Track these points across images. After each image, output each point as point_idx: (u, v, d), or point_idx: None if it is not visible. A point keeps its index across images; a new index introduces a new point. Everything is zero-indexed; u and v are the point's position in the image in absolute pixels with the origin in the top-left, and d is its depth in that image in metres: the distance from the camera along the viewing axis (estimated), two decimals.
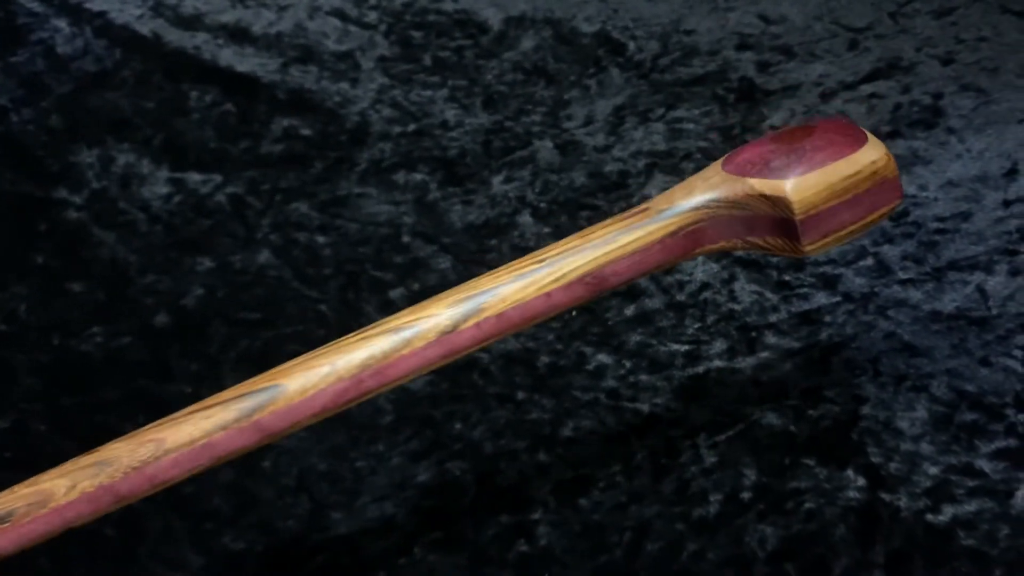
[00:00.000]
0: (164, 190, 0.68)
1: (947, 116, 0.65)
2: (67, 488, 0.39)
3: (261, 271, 0.63)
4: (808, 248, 0.42)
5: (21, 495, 0.40)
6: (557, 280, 0.42)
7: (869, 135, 0.42)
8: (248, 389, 0.41)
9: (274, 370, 0.42)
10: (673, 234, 0.42)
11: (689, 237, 0.42)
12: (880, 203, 0.43)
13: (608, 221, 0.43)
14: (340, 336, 0.59)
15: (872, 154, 0.42)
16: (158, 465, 0.40)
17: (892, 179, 0.42)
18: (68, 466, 0.40)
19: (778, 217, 0.41)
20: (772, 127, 0.67)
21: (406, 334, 0.41)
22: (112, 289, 0.63)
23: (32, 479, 0.41)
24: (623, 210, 0.63)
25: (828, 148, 0.41)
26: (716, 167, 0.43)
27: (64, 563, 0.52)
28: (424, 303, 0.42)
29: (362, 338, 0.41)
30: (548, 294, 0.41)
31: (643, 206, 0.43)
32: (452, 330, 0.41)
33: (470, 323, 0.41)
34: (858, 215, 0.42)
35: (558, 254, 0.42)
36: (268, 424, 0.40)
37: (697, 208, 0.42)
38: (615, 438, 0.53)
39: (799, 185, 0.41)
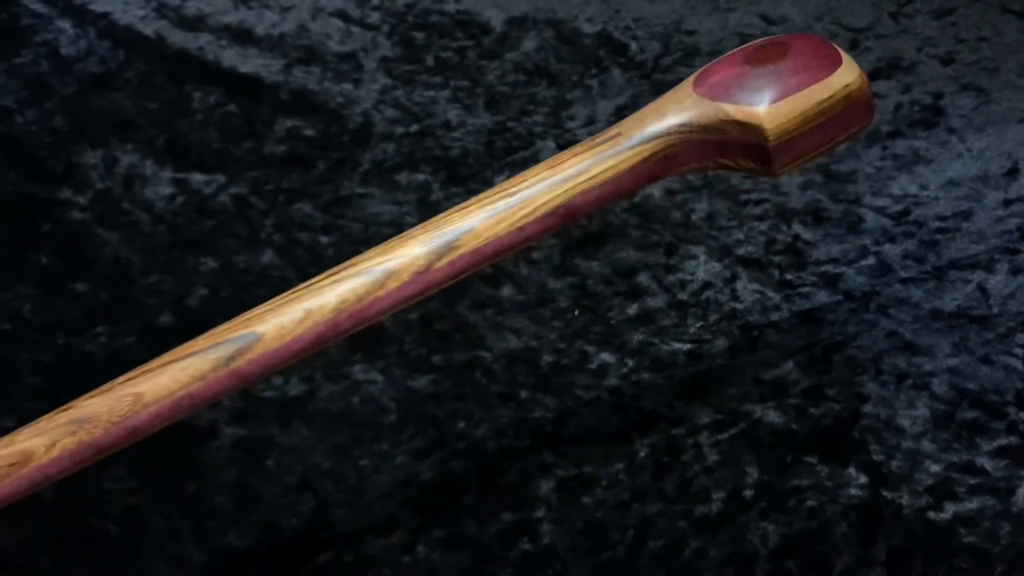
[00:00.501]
0: (167, 190, 0.68)
1: (948, 116, 0.66)
2: (47, 446, 0.39)
3: (264, 271, 0.64)
4: (779, 171, 0.41)
5: (1, 456, 0.39)
6: (529, 214, 0.41)
7: (843, 55, 0.41)
8: (222, 337, 0.40)
9: (247, 315, 0.41)
10: (645, 160, 0.41)
11: (661, 162, 0.42)
12: (852, 123, 0.42)
13: (578, 148, 0.42)
14: None
15: (846, 77, 0.41)
16: (138, 418, 0.39)
17: (865, 100, 0.42)
18: (43, 423, 0.39)
19: (751, 142, 0.41)
20: None
21: (378, 274, 0.40)
22: (115, 289, 0.63)
23: (6, 438, 0.39)
24: (625, 211, 0.64)
25: (802, 72, 0.40)
26: (687, 88, 0.42)
27: (65, 561, 0.52)
28: (395, 240, 0.41)
29: (334, 279, 0.41)
30: (521, 228, 0.41)
31: (614, 131, 0.42)
32: (426, 269, 0.40)
33: (444, 261, 0.41)
34: (829, 136, 0.42)
35: (529, 185, 0.41)
36: (245, 370, 0.40)
37: (669, 133, 0.41)
38: (617, 436, 0.54)
39: (773, 113, 0.40)
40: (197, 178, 0.69)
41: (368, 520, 0.52)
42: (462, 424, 0.55)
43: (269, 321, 0.40)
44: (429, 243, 0.41)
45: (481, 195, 0.42)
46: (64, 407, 0.40)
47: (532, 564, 0.49)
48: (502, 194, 0.41)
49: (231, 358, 0.40)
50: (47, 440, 0.39)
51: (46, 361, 0.60)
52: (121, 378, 0.40)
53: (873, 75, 0.69)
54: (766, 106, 0.40)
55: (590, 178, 0.41)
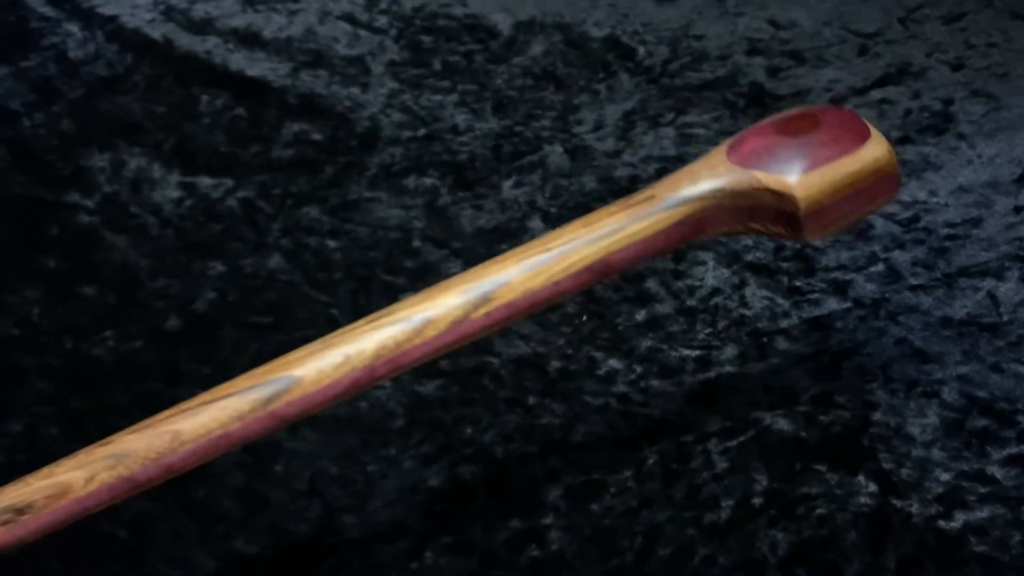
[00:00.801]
0: (175, 194, 0.68)
1: (957, 122, 0.65)
2: (85, 480, 0.40)
3: (272, 275, 0.63)
4: (809, 237, 0.43)
5: (39, 488, 0.40)
6: (565, 269, 0.42)
7: (872, 129, 0.43)
8: (262, 379, 0.41)
9: (287, 357, 0.42)
10: (678, 223, 0.43)
11: (693, 224, 0.43)
12: (879, 195, 0.44)
13: (614, 207, 0.43)
14: None
15: (876, 151, 0.42)
16: (175, 455, 0.40)
17: (893, 173, 0.43)
18: (82, 457, 0.41)
19: (783, 209, 0.42)
20: None
21: (417, 323, 0.41)
22: (123, 293, 0.63)
23: (46, 470, 0.41)
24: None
25: (833, 144, 0.42)
26: (720, 154, 0.43)
27: (74, 564, 0.52)
28: (433, 289, 0.43)
29: (373, 326, 0.42)
30: (556, 282, 0.42)
31: (648, 192, 0.44)
32: (463, 319, 0.42)
33: (480, 312, 0.42)
34: (858, 207, 0.44)
35: (565, 241, 0.42)
36: (283, 412, 0.41)
37: (703, 198, 0.43)
38: (626, 443, 0.53)
39: (805, 183, 0.42)
40: (205, 182, 0.69)
41: (375, 526, 0.52)
42: (470, 430, 0.55)
43: (308, 365, 0.41)
44: (466, 294, 0.42)
45: (519, 248, 0.43)
46: (104, 441, 0.41)
47: (540, 571, 0.49)
48: (539, 249, 0.43)
49: (269, 400, 0.41)
50: (86, 473, 0.40)
51: (54, 365, 0.60)
52: (161, 414, 0.41)
53: (882, 81, 0.69)
54: (798, 176, 0.42)
55: (624, 237, 0.43)
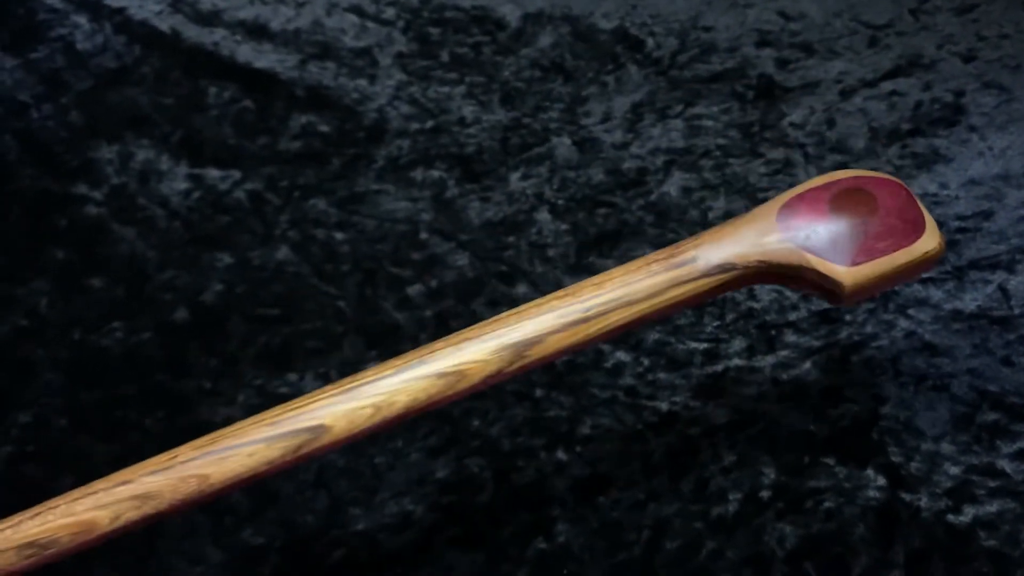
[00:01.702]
0: (183, 186, 0.68)
1: (969, 114, 0.65)
2: (111, 519, 0.41)
3: (280, 267, 0.63)
4: (845, 305, 0.44)
5: (63, 525, 0.41)
6: (600, 329, 0.42)
7: (927, 219, 0.42)
8: (292, 426, 0.41)
9: (316, 401, 0.41)
10: (719, 287, 0.43)
11: (733, 284, 0.43)
12: (920, 272, 0.44)
13: (655, 264, 0.42)
14: (357, 333, 0.60)
15: (928, 244, 0.42)
16: (202, 495, 0.41)
17: (938, 259, 0.43)
18: (103, 496, 0.41)
19: (825, 287, 0.42)
20: (792, 125, 0.67)
21: (451, 378, 0.41)
22: (131, 285, 0.63)
23: (64, 506, 0.41)
24: (641, 209, 0.63)
25: (888, 237, 0.42)
26: (770, 219, 0.42)
27: (85, 558, 0.52)
28: (465, 340, 0.42)
29: (405, 381, 0.41)
30: (590, 340, 0.42)
31: (691, 250, 0.42)
32: (496, 373, 0.42)
33: (514, 367, 0.42)
34: (897, 283, 0.44)
35: (603, 304, 0.42)
36: (310, 455, 0.42)
37: (747, 267, 0.42)
38: (633, 436, 0.53)
39: (854, 274, 0.42)
40: (212, 174, 0.69)
41: (383, 518, 0.52)
42: (477, 422, 0.55)
43: (338, 414, 0.41)
44: (500, 352, 0.42)
45: (554, 299, 0.42)
46: (122, 479, 0.41)
47: (547, 563, 0.49)
48: (576, 305, 0.42)
49: (298, 448, 0.41)
50: (111, 513, 0.41)
51: (63, 357, 0.60)
52: (184, 451, 0.41)
53: (893, 72, 0.68)
54: (848, 267, 0.42)
55: (663, 302, 0.42)
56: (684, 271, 0.42)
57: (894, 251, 0.42)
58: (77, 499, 0.41)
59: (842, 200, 0.42)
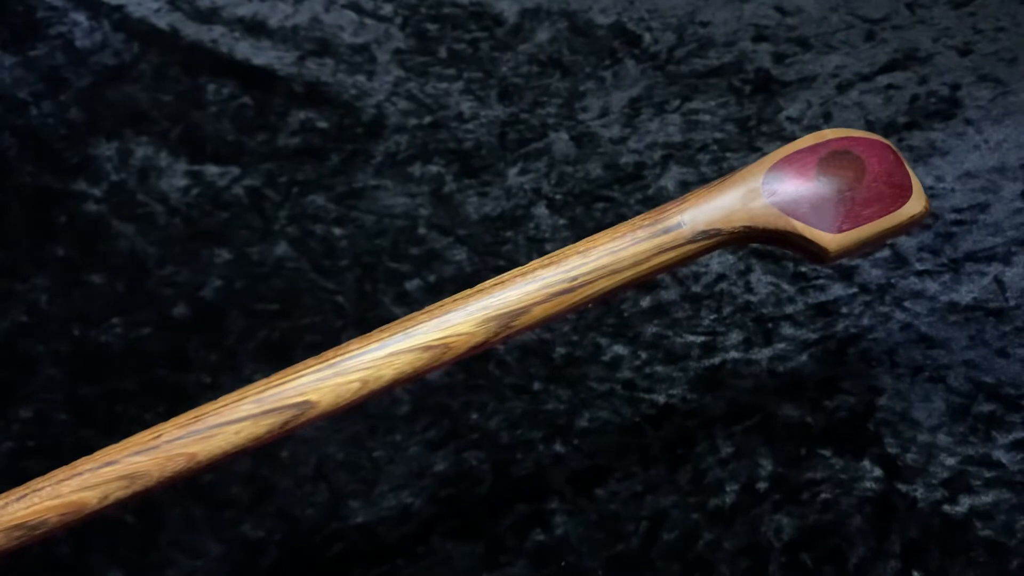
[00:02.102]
0: (182, 182, 0.68)
1: (965, 107, 0.65)
2: (99, 498, 0.41)
3: (279, 263, 0.64)
4: (828, 265, 0.44)
5: (51, 506, 0.40)
6: (586, 297, 0.42)
7: (914, 180, 0.42)
8: (278, 403, 0.41)
9: (301, 382, 0.41)
10: (705, 250, 0.42)
11: (718, 246, 0.43)
12: (905, 231, 0.44)
13: (640, 230, 0.42)
14: (356, 327, 0.60)
15: (914, 207, 0.42)
16: (189, 471, 0.41)
17: (924, 218, 0.43)
18: (90, 476, 0.41)
19: (811, 250, 0.42)
20: (789, 119, 0.67)
21: (437, 350, 0.41)
22: (131, 281, 0.64)
23: (52, 488, 0.41)
24: (639, 203, 0.64)
25: (875, 202, 0.42)
26: (757, 183, 0.42)
27: (85, 551, 0.52)
28: (449, 311, 0.42)
29: (391, 355, 0.41)
30: (575, 306, 0.42)
31: (675, 216, 0.42)
32: (481, 343, 0.42)
33: (499, 337, 0.42)
34: (882, 241, 0.44)
35: (589, 272, 0.41)
36: (296, 429, 0.41)
37: (733, 231, 0.42)
38: (631, 429, 0.53)
39: (840, 240, 0.42)
40: (211, 170, 0.69)
41: (382, 511, 0.52)
42: (475, 415, 0.55)
43: (326, 390, 0.41)
44: (487, 323, 0.42)
45: (540, 267, 0.42)
46: (107, 459, 0.41)
47: (546, 555, 0.49)
48: (561, 274, 0.42)
49: (284, 423, 0.41)
50: (99, 493, 0.41)
51: (63, 352, 0.61)
52: (167, 432, 0.41)
53: (889, 66, 0.68)
54: (835, 233, 0.42)
55: (649, 266, 0.42)
56: (670, 237, 0.42)
57: (880, 217, 0.42)
58: (62, 480, 0.41)
59: (829, 163, 0.42)
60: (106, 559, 0.52)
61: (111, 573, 0.51)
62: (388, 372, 0.41)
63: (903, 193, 0.42)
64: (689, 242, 0.42)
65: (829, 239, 0.41)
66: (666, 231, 0.42)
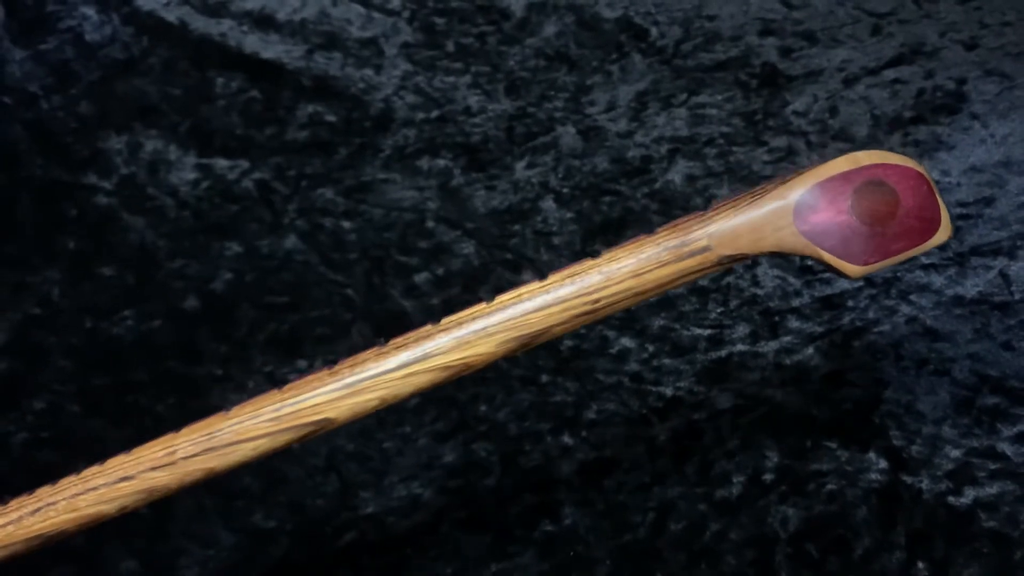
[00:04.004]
0: (192, 176, 0.69)
1: (971, 101, 0.65)
2: (118, 509, 0.42)
3: (288, 256, 0.64)
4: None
5: (69, 519, 0.42)
6: (605, 316, 0.41)
7: (943, 213, 0.41)
8: (296, 421, 0.41)
9: (320, 400, 0.41)
10: (728, 269, 0.42)
11: (741, 262, 0.43)
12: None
13: (665, 255, 0.41)
14: (365, 320, 0.60)
15: (940, 238, 0.42)
16: (206, 480, 0.41)
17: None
18: (107, 492, 0.42)
19: (832, 269, 0.42)
20: (795, 113, 0.67)
21: (457, 369, 0.42)
22: (142, 273, 0.64)
23: (67, 503, 0.42)
24: (646, 196, 0.64)
25: (905, 239, 0.41)
26: (788, 211, 0.41)
27: (98, 540, 0.53)
28: (470, 331, 0.42)
29: (410, 374, 0.41)
30: (594, 322, 0.42)
31: (702, 239, 0.41)
32: (498, 359, 0.42)
33: (517, 353, 0.42)
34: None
35: (612, 296, 0.41)
36: (312, 439, 0.42)
37: (759, 254, 0.42)
38: (638, 420, 0.54)
39: (866, 271, 0.41)
40: (221, 163, 0.69)
41: (392, 501, 0.53)
42: (484, 407, 0.56)
43: (344, 408, 0.41)
44: (506, 343, 0.42)
45: (559, 282, 0.41)
46: (122, 474, 0.42)
47: (554, 545, 0.50)
48: (583, 297, 0.41)
49: (303, 437, 0.42)
50: (116, 506, 0.42)
51: (75, 344, 0.61)
52: (182, 448, 0.41)
53: (895, 60, 0.68)
54: (860, 265, 0.42)
55: (672, 286, 0.41)
56: (695, 262, 0.41)
57: (908, 251, 0.42)
58: (77, 495, 0.42)
59: (863, 196, 0.41)
60: (120, 549, 0.52)
61: (125, 563, 0.52)
62: (407, 390, 0.42)
63: (932, 226, 0.41)
64: (714, 265, 0.41)
65: (853, 269, 0.41)
66: (692, 255, 0.41)
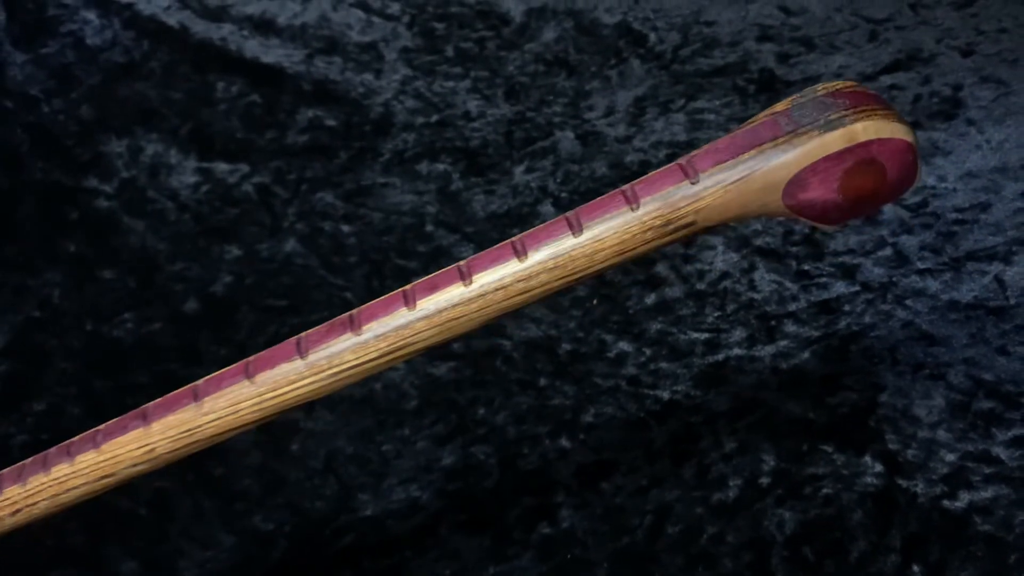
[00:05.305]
0: (192, 179, 0.69)
1: (967, 107, 0.66)
2: (97, 495, 0.43)
3: (288, 259, 0.64)
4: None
5: (50, 512, 0.43)
6: (586, 279, 0.41)
7: (919, 173, 0.41)
8: (276, 410, 0.42)
9: (297, 396, 0.42)
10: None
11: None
12: None
13: (649, 233, 0.40)
14: None
15: (916, 184, 0.42)
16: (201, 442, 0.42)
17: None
18: (88, 487, 0.43)
19: (813, 225, 0.42)
20: None
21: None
22: (142, 276, 0.65)
23: (49, 502, 0.43)
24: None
25: (886, 196, 0.41)
26: (778, 189, 0.41)
27: (98, 541, 0.53)
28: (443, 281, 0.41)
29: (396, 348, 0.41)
30: (578, 281, 0.41)
31: (690, 215, 0.40)
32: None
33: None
34: None
35: (592, 271, 0.41)
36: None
37: (742, 221, 0.41)
38: (636, 424, 0.54)
39: (838, 228, 0.41)
40: (221, 167, 0.70)
41: (391, 503, 0.53)
42: (482, 410, 0.56)
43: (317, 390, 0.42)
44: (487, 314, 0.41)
45: (543, 271, 0.41)
46: (102, 472, 0.42)
47: (552, 547, 0.50)
48: (567, 278, 0.41)
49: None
50: (96, 494, 0.43)
51: (76, 346, 0.61)
52: (160, 445, 0.42)
53: (892, 67, 0.69)
54: (835, 226, 0.42)
55: (652, 246, 0.41)
56: (679, 235, 0.41)
57: (881, 207, 0.42)
58: (56, 495, 0.43)
59: (853, 176, 0.41)
60: (120, 550, 0.53)
61: (125, 564, 0.52)
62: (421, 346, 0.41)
63: (907, 185, 0.42)
64: (696, 231, 0.41)
65: (827, 228, 0.42)
66: (677, 229, 0.41)
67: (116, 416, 0.59)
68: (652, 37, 0.73)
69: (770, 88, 0.69)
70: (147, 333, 0.62)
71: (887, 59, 0.69)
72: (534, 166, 0.67)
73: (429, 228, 0.65)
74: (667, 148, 0.67)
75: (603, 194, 0.43)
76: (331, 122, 0.71)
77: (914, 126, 0.65)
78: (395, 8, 0.77)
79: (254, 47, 0.75)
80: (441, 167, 0.68)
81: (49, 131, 0.72)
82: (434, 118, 0.70)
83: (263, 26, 0.76)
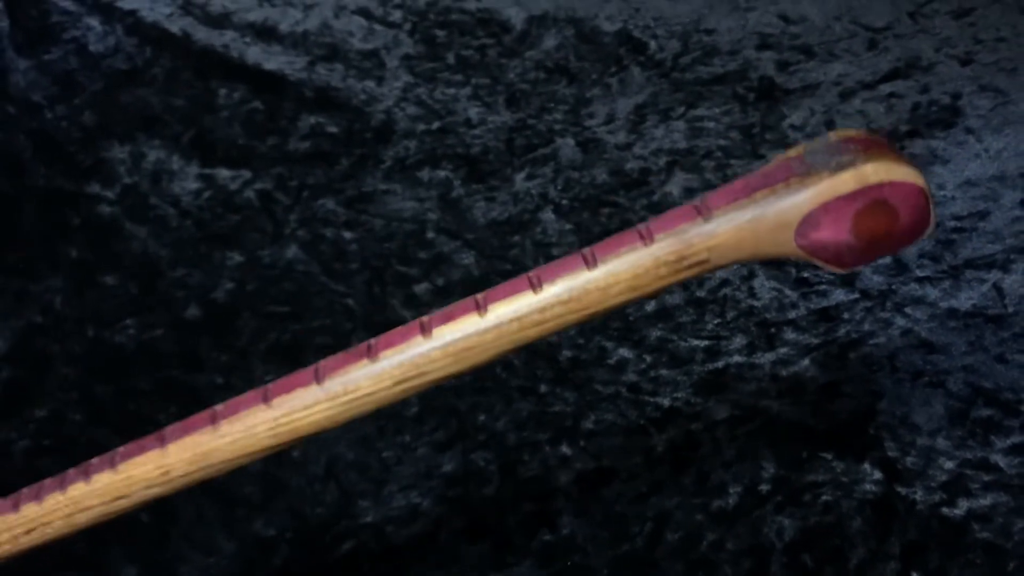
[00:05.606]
0: (194, 185, 0.69)
1: (965, 116, 0.66)
2: (114, 518, 0.43)
3: (289, 266, 0.65)
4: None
5: (64, 533, 0.43)
6: (604, 307, 0.42)
7: (932, 219, 0.42)
8: (288, 439, 0.43)
9: (310, 422, 0.42)
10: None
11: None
12: None
13: (662, 270, 0.41)
14: (365, 330, 0.61)
15: (928, 232, 0.42)
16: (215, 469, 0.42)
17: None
18: (102, 509, 0.43)
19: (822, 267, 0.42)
20: (792, 127, 0.68)
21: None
22: (144, 282, 0.65)
23: (64, 522, 0.43)
24: (644, 208, 0.64)
25: (895, 245, 0.42)
26: (790, 229, 0.41)
27: (99, 547, 0.53)
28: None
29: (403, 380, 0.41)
30: (591, 316, 0.42)
31: (703, 253, 0.41)
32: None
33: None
34: None
35: (605, 309, 0.41)
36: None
37: (754, 261, 0.42)
38: (636, 431, 0.54)
39: (851, 271, 0.42)
40: (223, 173, 0.70)
41: (391, 510, 0.53)
42: (483, 417, 0.56)
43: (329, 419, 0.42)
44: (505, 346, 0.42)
45: (559, 303, 0.41)
46: (117, 494, 0.43)
47: (552, 554, 0.50)
48: (578, 314, 0.41)
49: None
50: (113, 517, 0.43)
51: (77, 352, 0.62)
52: (175, 467, 0.43)
53: (891, 75, 0.69)
54: (847, 269, 0.42)
55: (667, 283, 0.42)
56: (692, 272, 0.41)
57: (893, 252, 0.43)
58: (71, 514, 0.43)
59: (865, 218, 0.41)
60: (121, 556, 0.53)
61: (126, 570, 0.52)
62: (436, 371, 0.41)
63: (921, 231, 0.42)
64: (713, 268, 0.42)
65: (839, 270, 0.42)
66: (690, 267, 0.41)
67: (117, 421, 0.59)
68: (652, 45, 0.73)
69: (770, 96, 0.70)
70: (149, 339, 0.62)
71: (886, 67, 0.69)
72: (535, 173, 0.68)
73: (430, 235, 0.65)
74: (667, 155, 0.67)
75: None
76: (333, 129, 0.71)
77: (913, 134, 0.66)
78: (397, 16, 0.77)
79: (256, 54, 0.75)
80: (442, 174, 0.68)
81: (52, 137, 0.73)
82: (435, 125, 0.71)
83: (265, 33, 0.77)
